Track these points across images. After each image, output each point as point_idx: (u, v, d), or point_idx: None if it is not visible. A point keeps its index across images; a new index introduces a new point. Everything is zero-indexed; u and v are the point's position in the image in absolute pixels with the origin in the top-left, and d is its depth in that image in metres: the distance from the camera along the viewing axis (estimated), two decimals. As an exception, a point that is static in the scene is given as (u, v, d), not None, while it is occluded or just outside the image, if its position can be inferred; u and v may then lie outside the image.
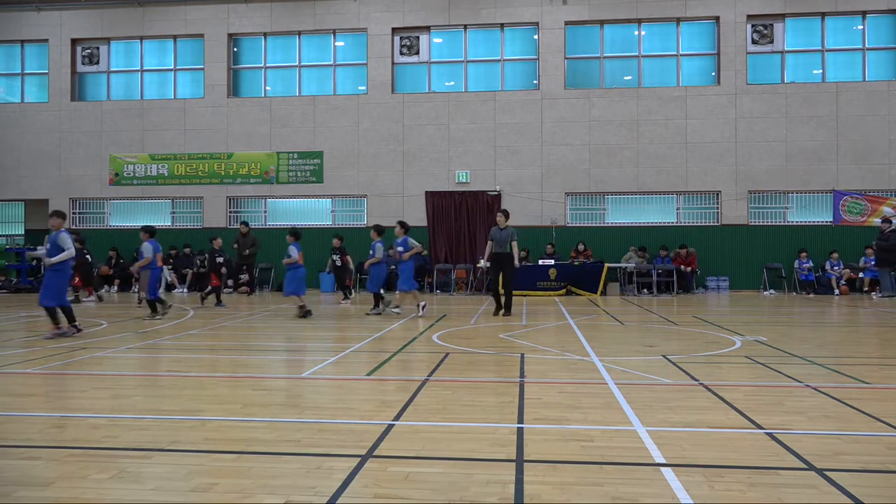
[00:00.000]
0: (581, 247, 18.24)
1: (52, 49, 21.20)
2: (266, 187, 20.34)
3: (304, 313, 11.64)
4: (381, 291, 12.64)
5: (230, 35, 20.73)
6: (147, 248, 11.53)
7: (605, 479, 3.33)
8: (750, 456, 3.69)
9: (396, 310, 12.12)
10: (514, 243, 11.81)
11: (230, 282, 18.99)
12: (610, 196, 19.45)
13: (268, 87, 20.80)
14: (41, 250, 11.36)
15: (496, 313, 11.90)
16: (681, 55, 19.41)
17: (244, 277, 18.57)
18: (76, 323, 9.00)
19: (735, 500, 3.04)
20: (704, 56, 19.43)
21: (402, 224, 12.48)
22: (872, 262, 17.18)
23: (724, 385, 5.65)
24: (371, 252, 12.75)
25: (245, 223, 18.45)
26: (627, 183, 19.13)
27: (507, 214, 12.17)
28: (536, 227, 19.26)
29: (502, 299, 12.03)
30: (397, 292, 12.81)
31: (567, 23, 19.51)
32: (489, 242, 12.06)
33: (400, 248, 12.18)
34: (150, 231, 11.79)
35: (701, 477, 3.33)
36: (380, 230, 12.81)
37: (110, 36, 21.18)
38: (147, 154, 20.75)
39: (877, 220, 17.81)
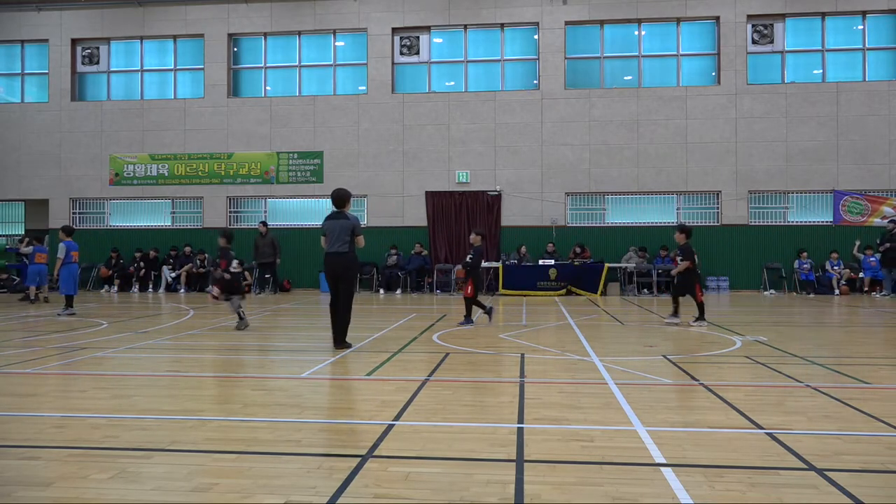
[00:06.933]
0: (578, 249, 18.19)
1: (52, 49, 21.20)
2: (266, 187, 20.33)
3: (70, 313, 12.00)
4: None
5: (230, 35, 20.73)
6: (61, 247, 12.26)
7: (606, 479, 3.33)
8: (750, 456, 3.69)
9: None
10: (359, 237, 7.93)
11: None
12: (610, 196, 19.44)
13: (268, 87, 20.79)
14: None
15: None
16: (681, 55, 19.40)
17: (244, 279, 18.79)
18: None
19: (735, 500, 3.04)
20: (704, 56, 19.43)
21: (66, 229, 12.47)
22: (875, 260, 17.20)
23: (724, 385, 5.65)
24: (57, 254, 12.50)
25: (263, 223, 18.93)
26: (627, 183, 19.13)
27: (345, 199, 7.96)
28: (536, 227, 19.26)
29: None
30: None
31: (567, 23, 19.50)
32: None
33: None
34: (68, 231, 12.53)
35: (701, 477, 3.33)
36: (68, 231, 12.51)
37: (110, 36, 21.18)
38: (147, 154, 20.74)
39: (877, 221, 17.82)
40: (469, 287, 10.41)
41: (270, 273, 18.54)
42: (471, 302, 10.44)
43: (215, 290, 9.74)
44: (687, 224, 10.66)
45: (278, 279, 19.02)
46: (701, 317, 10.20)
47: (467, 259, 10.73)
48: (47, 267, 15.26)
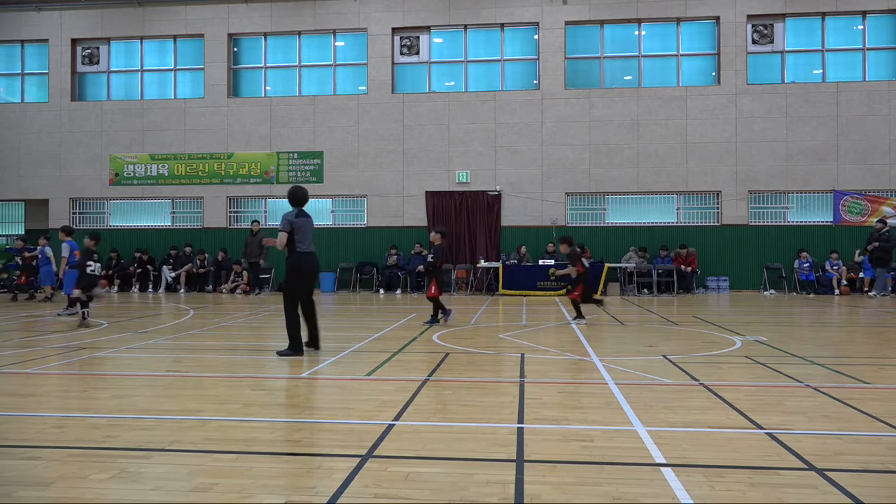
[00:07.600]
0: (578, 249, 18.14)
1: (52, 49, 21.20)
2: (266, 187, 20.33)
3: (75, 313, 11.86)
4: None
5: (230, 35, 20.73)
6: (65, 247, 12.24)
7: (606, 479, 3.33)
8: (750, 456, 3.69)
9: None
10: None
11: (228, 283, 19.01)
12: (610, 196, 19.44)
13: (268, 87, 20.79)
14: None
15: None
16: (681, 55, 19.40)
17: (240, 280, 18.69)
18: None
19: (735, 500, 3.04)
20: (704, 56, 19.42)
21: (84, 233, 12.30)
22: (868, 260, 17.21)
23: (725, 385, 5.65)
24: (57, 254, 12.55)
25: (256, 221, 18.83)
26: (627, 183, 19.13)
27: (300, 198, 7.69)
28: (536, 227, 19.25)
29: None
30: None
31: (567, 23, 19.50)
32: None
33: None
34: (68, 231, 12.50)
35: (701, 477, 3.33)
36: (68, 231, 12.43)
37: (110, 36, 21.18)
38: (147, 154, 20.74)
39: (877, 221, 17.82)
40: (433, 287, 10.36)
41: (254, 272, 18.27)
42: (436, 302, 10.40)
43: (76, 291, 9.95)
44: (567, 235, 11.10)
45: (255, 278, 18.48)
46: (579, 315, 10.60)
47: (428, 258, 10.68)
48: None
